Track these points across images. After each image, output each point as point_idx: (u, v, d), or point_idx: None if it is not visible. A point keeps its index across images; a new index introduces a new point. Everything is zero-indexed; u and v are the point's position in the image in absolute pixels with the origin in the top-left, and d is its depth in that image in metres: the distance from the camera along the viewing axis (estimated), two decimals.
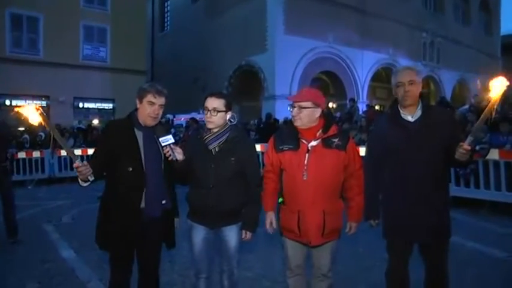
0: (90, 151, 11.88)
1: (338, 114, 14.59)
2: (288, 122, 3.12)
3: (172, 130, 15.77)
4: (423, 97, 2.93)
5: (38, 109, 2.46)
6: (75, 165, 2.55)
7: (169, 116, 19.41)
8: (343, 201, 2.99)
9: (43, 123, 2.49)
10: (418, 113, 2.89)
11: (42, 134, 13.34)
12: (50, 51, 20.21)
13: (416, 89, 2.86)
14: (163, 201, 2.94)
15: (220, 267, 3.18)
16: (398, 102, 2.95)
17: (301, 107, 2.85)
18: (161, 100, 2.86)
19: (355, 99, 18.35)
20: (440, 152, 2.78)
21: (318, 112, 2.89)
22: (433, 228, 2.84)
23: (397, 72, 2.95)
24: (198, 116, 18.57)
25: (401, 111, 2.93)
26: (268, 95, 22.61)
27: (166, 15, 33.76)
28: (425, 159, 2.79)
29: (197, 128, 13.59)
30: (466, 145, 2.52)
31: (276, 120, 14.79)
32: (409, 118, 2.90)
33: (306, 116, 2.85)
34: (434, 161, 2.80)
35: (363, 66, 25.81)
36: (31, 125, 4.46)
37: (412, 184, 2.83)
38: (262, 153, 9.93)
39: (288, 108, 2.98)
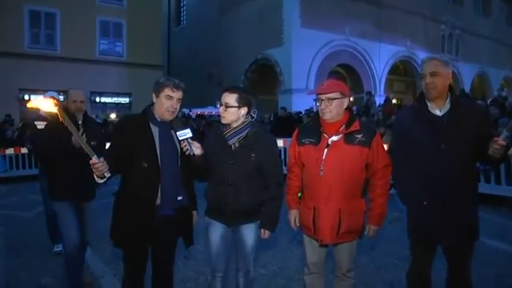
0: (106, 145, 11.95)
1: (354, 108, 14.40)
2: (313, 115, 3.01)
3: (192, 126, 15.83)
4: (452, 89, 2.78)
5: (56, 104, 2.41)
6: (91, 161, 2.48)
7: (186, 110, 19.49)
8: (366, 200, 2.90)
9: (60, 118, 2.44)
10: (447, 106, 2.73)
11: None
12: (67, 47, 20.40)
13: (441, 81, 2.68)
14: (179, 198, 2.88)
15: (236, 265, 3.12)
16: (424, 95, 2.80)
17: (330, 99, 2.75)
18: (179, 94, 2.80)
19: (372, 92, 18.11)
20: (469, 148, 2.64)
21: (345, 102, 2.81)
22: (460, 229, 2.70)
23: (422, 63, 2.82)
24: (214, 110, 18.64)
25: (428, 104, 2.77)
26: (285, 88, 22.54)
27: (182, 10, 33.82)
28: (454, 156, 2.64)
29: (205, 124, 13.60)
30: (501, 140, 2.39)
31: (292, 114, 14.63)
32: (437, 112, 2.73)
33: (335, 107, 2.75)
34: (462, 158, 2.66)
35: (380, 59, 25.51)
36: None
37: (438, 182, 2.68)
38: (285, 148, 9.90)
39: (315, 104, 2.89)
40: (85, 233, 3.97)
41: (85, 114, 4.02)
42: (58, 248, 5.40)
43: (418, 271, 2.95)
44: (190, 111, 20.06)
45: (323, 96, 2.77)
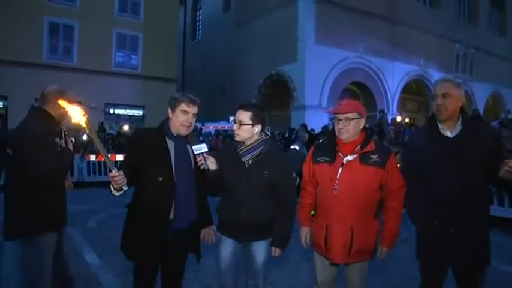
0: (118, 157, 12.02)
1: (367, 125, 14.28)
2: (329, 134, 3.03)
3: (201, 138, 15.87)
4: (464, 111, 2.77)
5: (85, 115, 2.43)
6: (111, 174, 2.51)
7: (198, 125, 19.59)
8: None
9: (86, 129, 2.47)
10: (458, 128, 2.72)
11: (73, 138, 13.60)
12: (83, 58, 20.76)
13: (453, 103, 2.68)
14: (193, 213, 2.89)
15: (246, 280, 3.11)
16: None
17: (348, 119, 2.76)
18: (194, 109, 2.84)
19: (385, 110, 18.03)
20: (480, 170, 2.61)
21: (362, 123, 2.83)
22: (470, 252, 2.66)
23: (435, 84, 2.82)
24: (226, 125, 18.70)
25: (439, 126, 2.77)
26: (298, 105, 22.52)
27: (198, 24, 34.18)
28: (464, 178, 2.62)
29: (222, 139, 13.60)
30: (511, 163, 2.38)
31: (311, 131, 14.48)
32: (448, 134, 2.73)
33: (353, 127, 2.77)
34: (473, 180, 2.63)
35: (394, 77, 25.41)
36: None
37: (449, 204, 2.66)
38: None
39: (332, 122, 2.90)
40: None
41: None
42: None
43: None
44: (203, 125, 20.15)
45: (341, 116, 2.78)
